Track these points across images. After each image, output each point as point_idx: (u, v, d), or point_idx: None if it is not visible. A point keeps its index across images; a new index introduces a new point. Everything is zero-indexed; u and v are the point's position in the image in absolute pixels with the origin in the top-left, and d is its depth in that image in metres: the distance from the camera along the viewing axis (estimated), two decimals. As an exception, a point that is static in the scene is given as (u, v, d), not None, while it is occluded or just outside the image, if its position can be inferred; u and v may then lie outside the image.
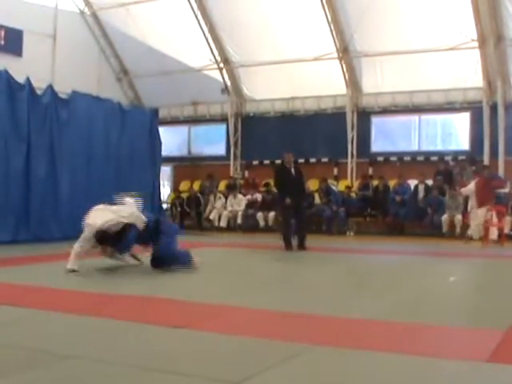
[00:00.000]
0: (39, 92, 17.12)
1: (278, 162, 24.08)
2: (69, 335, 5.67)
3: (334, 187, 22.66)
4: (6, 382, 4.17)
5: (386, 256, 14.67)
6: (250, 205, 22.88)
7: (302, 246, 14.91)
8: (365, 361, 4.91)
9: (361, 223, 21.75)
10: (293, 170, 15.31)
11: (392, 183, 21.86)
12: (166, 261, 10.28)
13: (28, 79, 16.53)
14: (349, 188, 22.31)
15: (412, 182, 21.59)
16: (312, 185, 23.08)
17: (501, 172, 20.77)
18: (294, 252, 14.62)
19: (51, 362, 4.72)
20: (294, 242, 14.93)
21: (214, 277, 10.31)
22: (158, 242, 10.28)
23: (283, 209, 15.43)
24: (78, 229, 16.95)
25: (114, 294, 8.02)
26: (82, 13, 25.69)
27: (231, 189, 23.96)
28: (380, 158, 23.30)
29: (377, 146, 23.74)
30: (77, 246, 10.05)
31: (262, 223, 22.27)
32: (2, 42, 21.98)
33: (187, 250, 10.84)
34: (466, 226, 18.41)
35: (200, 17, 24.06)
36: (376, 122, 23.82)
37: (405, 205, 20.80)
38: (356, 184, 23.15)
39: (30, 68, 19.29)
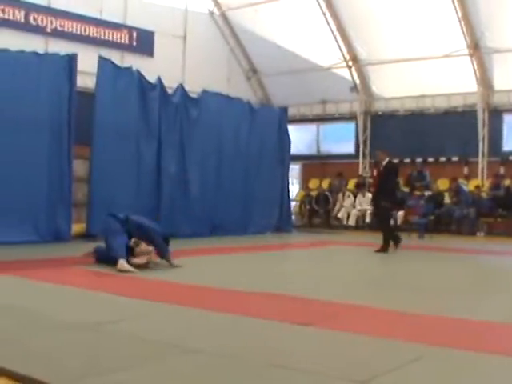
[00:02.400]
0: (170, 91, 17.51)
1: (407, 160, 24.02)
2: (194, 329, 5.78)
3: (464, 187, 22.24)
4: (131, 374, 4.30)
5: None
6: (379, 204, 22.73)
7: (382, 248, 14.00)
8: (492, 365, 4.80)
9: (491, 224, 21.27)
10: (382, 168, 14.53)
11: (525, 183, 21.25)
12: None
13: (159, 79, 16.96)
14: (478, 188, 21.80)
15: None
16: (442, 184, 22.79)
17: None
18: (413, 251, 14.42)
19: (176, 356, 4.81)
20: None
21: (336, 275, 10.36)
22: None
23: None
24: (207, 226, 17.47)
25: (234, 290, 8.13)
26: (211, 13, 26.18)
27: (360, 187, 23.90)
28: (512, 158, 22.70)
29: (509, 144, 23.01)
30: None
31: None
32: (135, 43, 22.76)
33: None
34: None
35: (328, 15, 24.07)
36: (508, 119, 23.15)
37: (538, 205, 20.22)
38: (487, 184, 22.63)
39: (161, 68, 19.95)
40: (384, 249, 13.92)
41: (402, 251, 14.22)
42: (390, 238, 14.14)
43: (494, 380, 4.46)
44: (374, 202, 14.81)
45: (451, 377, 4.47)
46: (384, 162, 14.34)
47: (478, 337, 5.76)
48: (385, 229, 14.50)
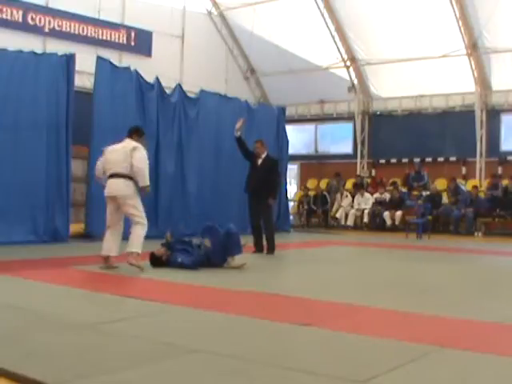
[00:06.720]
0: (168, 91, 17.53)
1: (405, 160, 24.05)
2: (195, 329, 5.78)
3: (462, 187, 22.25)
4: (135, 373, 4.32)
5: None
6: (377, 203, 22.74)
7: (269, 250, 13.21)
8: (494, 365, 4.79)
9: (489, 224, 21.26)
10: (260, 160, 13.37)
11: (522, 183, 21.22)
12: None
13: (157, 79, 16.95)
14: (476, 188, 21.76)
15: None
16: (440, 184, 22.81)
17: None
18: (412, 251, 14.34)
19: (178, 356, 4.81)
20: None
21: (335, 275, 10.34)
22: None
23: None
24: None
25: (236, 290, 8.15)
26: (209, 13, 26.21)
27: (358, 187, 23.87)
28: (510, 157, 22.60)
29: (507, 144, 23.05)
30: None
31: (388, 222, 22.09)
32: (133, 43, 22.82)
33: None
34: None
35: (326, 15, 24.09)
36: (506, 119, 23.18)
37: (536, 205, 20.20)
38: (485, 184, 22.63)
39: (159, 68, 20.03)
40: (273, 249, 13.20)
41: (402, 251, 14.20)
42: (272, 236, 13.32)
43: (495, 380, 4.46)
44: (254, 198, 13.22)
45: (452, 377, 4.46)
46: (263, 155, 13.41)
47: (480, 337, 5.75)
48: (271, 228, 13.47)
